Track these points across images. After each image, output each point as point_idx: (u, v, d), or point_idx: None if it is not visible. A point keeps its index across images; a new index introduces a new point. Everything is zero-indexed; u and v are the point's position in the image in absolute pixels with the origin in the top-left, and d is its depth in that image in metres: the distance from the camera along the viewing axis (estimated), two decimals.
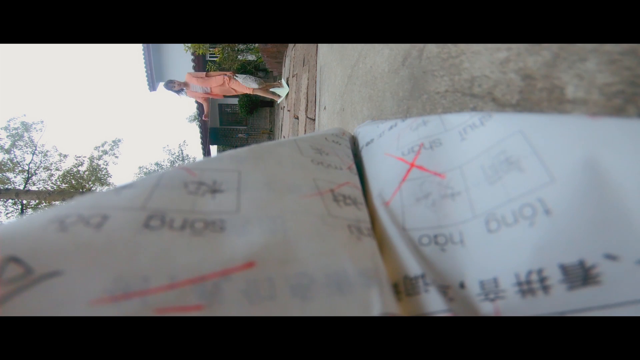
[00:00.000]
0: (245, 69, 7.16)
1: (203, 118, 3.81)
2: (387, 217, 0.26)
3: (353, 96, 0.89)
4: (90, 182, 10.55)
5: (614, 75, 0.24)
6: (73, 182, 10.25)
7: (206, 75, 3.48)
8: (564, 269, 0.16)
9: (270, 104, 7.91)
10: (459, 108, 0.41)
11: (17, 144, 9.77)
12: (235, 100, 8.16)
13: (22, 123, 10.09)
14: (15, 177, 9.52)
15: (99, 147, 11.44)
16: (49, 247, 0.15)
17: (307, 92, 1.72)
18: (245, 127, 8.92)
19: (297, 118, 1.98)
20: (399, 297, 0.21)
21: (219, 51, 6.51)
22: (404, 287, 0.21)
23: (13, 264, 0.14)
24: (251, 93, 3.55)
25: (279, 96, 3.67)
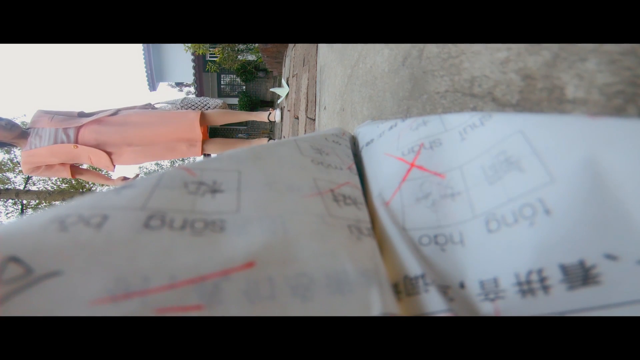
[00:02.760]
0: (245, 69, 7.14)
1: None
2: (387, 217, 0.26)
3: (353, 96, 0.89)
4: (90, 182, 10.56)
5: (614, 75, 0.24)
6: (73, 182, 10.25)
7: (80, 115, 1.59)
8: (564, 269, 0.16)
9: (271, 104, 7.90)
10: (459, 108, 0.41)
11: None
12: (235, 101, 8.15)
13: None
14: (15, 177, 9.53)
15: None
16: (49, 247, 0.15)
17: (307, 92, 1.71)
18: (245, 127, 8.91)
19: (297, 118, 1.96)
20: (399, 297, 0.21)
21: (219, 51, 6.51)
22: (404, 287, 0.21)
23: (13, 264, 0.14)
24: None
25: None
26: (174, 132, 1.64)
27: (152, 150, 1.65)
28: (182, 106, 1.87)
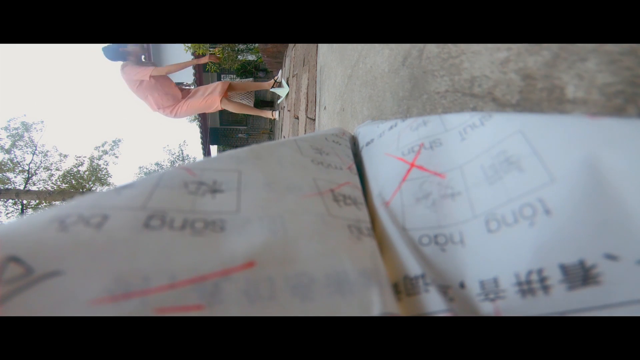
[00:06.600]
0: (245, 68, 7.13)
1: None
2: (387, 217, 0.26)
3: (353, 96, 0.89)
4: (90, 182, 10.57)
5: (614, 75, 0.24)
6: (73, 182, 10.26)
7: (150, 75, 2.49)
8: (564, 269, 0.16)
9: (271, 104, 7.90)
10: (459, 108, 0.41)
11: (17, 144, 9.79)
12: None
13: (22, 123, 10.11)
14: (15, 177, 9.54)
15: (99, 147, 11.47)
16: (49, 247, 0.15)
17: (307, 92, 1.72)
18: (245, 127, 8.92)
19: (297, 118, 1.97)
20: (399, 297, 0.21)
21: (219, 51, 6.51)
22: (404, 287, 0.21)
23: (13, 264, 0.14)
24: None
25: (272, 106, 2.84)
26: (210, 98, 2.67)
27: (196, 106, 2.70)
28: None
